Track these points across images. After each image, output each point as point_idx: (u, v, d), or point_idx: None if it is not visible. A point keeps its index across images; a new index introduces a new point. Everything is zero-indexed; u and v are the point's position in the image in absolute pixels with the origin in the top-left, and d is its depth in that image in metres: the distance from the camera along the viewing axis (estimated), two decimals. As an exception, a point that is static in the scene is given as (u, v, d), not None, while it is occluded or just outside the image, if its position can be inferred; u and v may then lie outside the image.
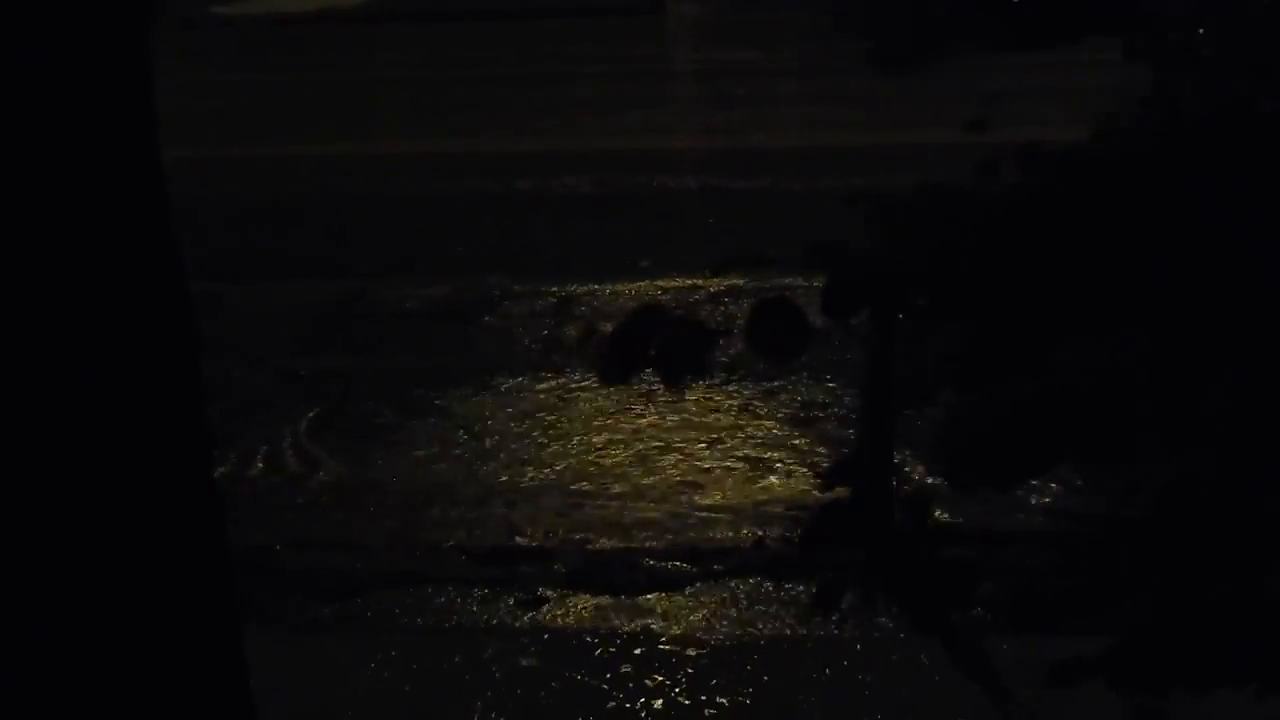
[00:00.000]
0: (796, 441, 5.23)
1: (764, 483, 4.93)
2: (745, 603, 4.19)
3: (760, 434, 5.32)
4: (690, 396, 5.69)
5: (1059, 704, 3.05)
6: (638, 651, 3.92)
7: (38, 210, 1.97)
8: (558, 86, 12.29)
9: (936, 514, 4.65)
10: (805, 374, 5.81)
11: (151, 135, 2.09)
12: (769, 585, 4.28)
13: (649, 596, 4.23)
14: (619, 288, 7.00)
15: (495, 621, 4.14)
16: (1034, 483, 4.45)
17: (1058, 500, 4.56)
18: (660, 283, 7.05)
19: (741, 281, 6.98)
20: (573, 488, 4.96)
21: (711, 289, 6.93)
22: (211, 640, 2.27)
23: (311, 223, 8.49)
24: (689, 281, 7.04)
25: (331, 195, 9.11)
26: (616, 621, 4.11)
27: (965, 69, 10.68)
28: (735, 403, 5.62)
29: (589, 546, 4.56)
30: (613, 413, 5.56)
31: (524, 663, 3.88)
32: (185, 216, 2.31)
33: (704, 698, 3.71)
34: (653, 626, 4.07)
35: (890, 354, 4.46)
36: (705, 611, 4.15)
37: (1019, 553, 4.35)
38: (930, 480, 4.78)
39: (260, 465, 5.24)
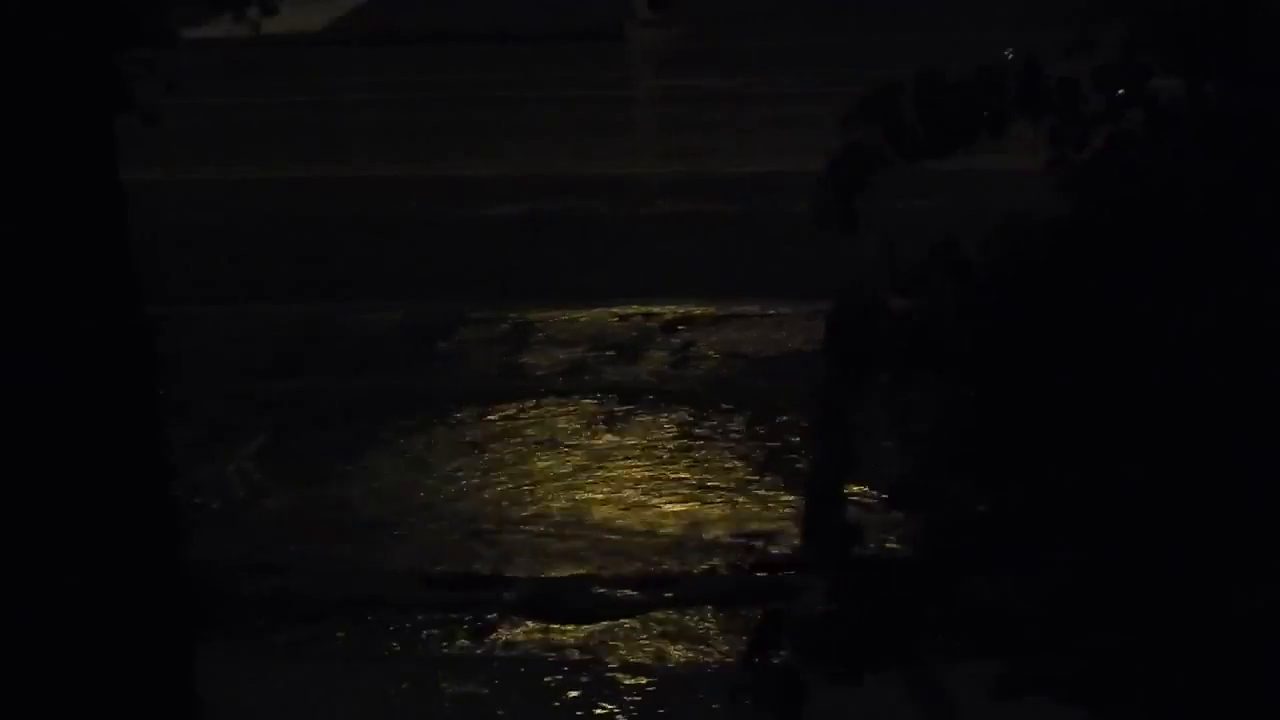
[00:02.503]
0: (749, 470, 5.26)
1: (716, 511, 4.96)
2: (695, 630, 4.22)
3: (712, 463, 5.34)
4: (644, 425, 5.71)
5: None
6: (585, 679, 3.94)
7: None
8: (520, 111, 12.31)
9: (886, 542, 4.68)
10: (758, 404, 5.84)
11: (110, 159, 2.11)
12: (719, 613, 4.30)
13: (599, 624, 4.25)
14: (576, 314, 7.02)
15: (447, 648, 4.16)
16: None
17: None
18: (616, 310, 7.07)
19: (703, 309, 7.02)
20: (527, 514, 4.98)
21: (668, 316, 6.96)
22: (163, 661, 2.28)
23: (272, 246, 8.48)
24: (646, 309, 7.07)
25: (293, 218, 9.09)
26: (566, 649, 4.13)
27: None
28: (688, 432, 5.64)
29: (542, 573, 4.58)
30: (568, 440, 5.58)
31: (473, 690, 3.89)
32: (147, 239, 2.33)
33: (651, 726, 3.74)
34: (602, 654, 4.09)
35: (846, 381, 4.50)
36: (655, 639, 4.18)
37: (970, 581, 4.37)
38: (884, 508, 4.80)
39: (219, 488, 5.24)
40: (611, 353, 6.54)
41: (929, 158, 2.98)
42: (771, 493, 5.07)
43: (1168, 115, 2.81)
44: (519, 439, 5.61)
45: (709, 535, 4.79)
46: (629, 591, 4.42)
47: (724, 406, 5.85)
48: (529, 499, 5.10)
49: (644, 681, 3.94)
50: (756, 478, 5.19)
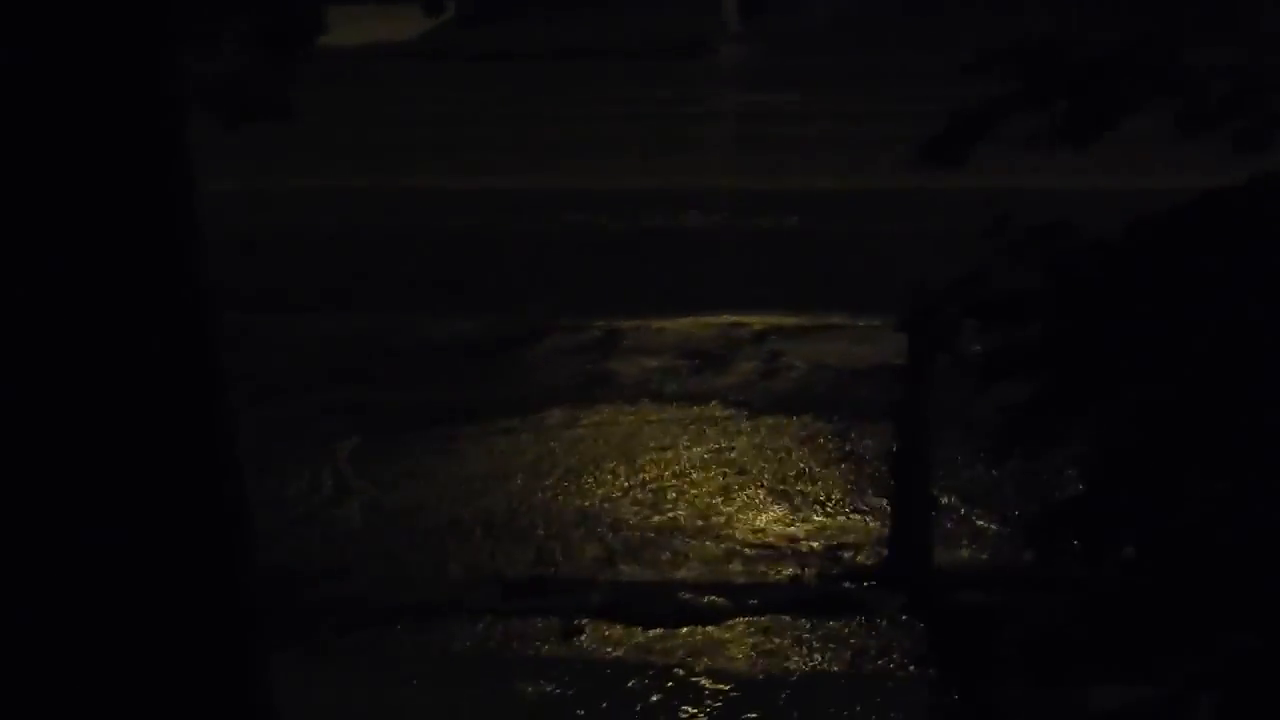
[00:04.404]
0: (836, 479, 5.22)
1: (802, 519, 4.92)
2: (778, 638, 4.18)
3: (800, 470, 5.30)
4: (731, 433, 5.69)
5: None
6: (669, 684, 3.92)
7: (63, 241, 1.97)
8: (601, 126, 12.31)
9: (967, 556, 4.64)
10: (850, 413, 5.80)
11: (184, 169, 2.09)
12: (802, 621, 4.27)
13: (682, 629, 4.23)
14: (663, 324, 7.01)
15: (528, 651, 4.15)
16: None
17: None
18: (706, 319, 7.06)
19: (790, 320, 6.99)
20: (609, 520, 4.96)
21: (755, 326, 6.93)
22: (236, 664, 2.26)
23: (349, 255, 8.51)
24: (732, 319, 7.05)
25: (373, 228, 9.13)
26: (649, 653, 4.11)
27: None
28: (775, 440, 5.61)
29: (624, 578, 4.56)
30: (651, 447, 5.56)
31: (555, 691, 3.88)
32: (217, 249, 2.33)
33: (734, 731, 3.71)
34: (685, 659, 4.06)
35: (928, 394, 4.46)
36: (738, 646, 4.15)
37: (1044, 599, 4.31)
38: (967, 524, 4.77)
39: (297, 494, 5.25)
40: (699, 362, 6.52)
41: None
42: (858, 502, 5.03)
43: None
44: (604, 446, 5.59)
45: (794, 544, 4.75)
46: (714, 598, 4.39)
47: (811, 416, 5.81)
48: (613, 505, 5.08)
49: (727, 688, 3.91)
50: (846, 487, 5.15)
